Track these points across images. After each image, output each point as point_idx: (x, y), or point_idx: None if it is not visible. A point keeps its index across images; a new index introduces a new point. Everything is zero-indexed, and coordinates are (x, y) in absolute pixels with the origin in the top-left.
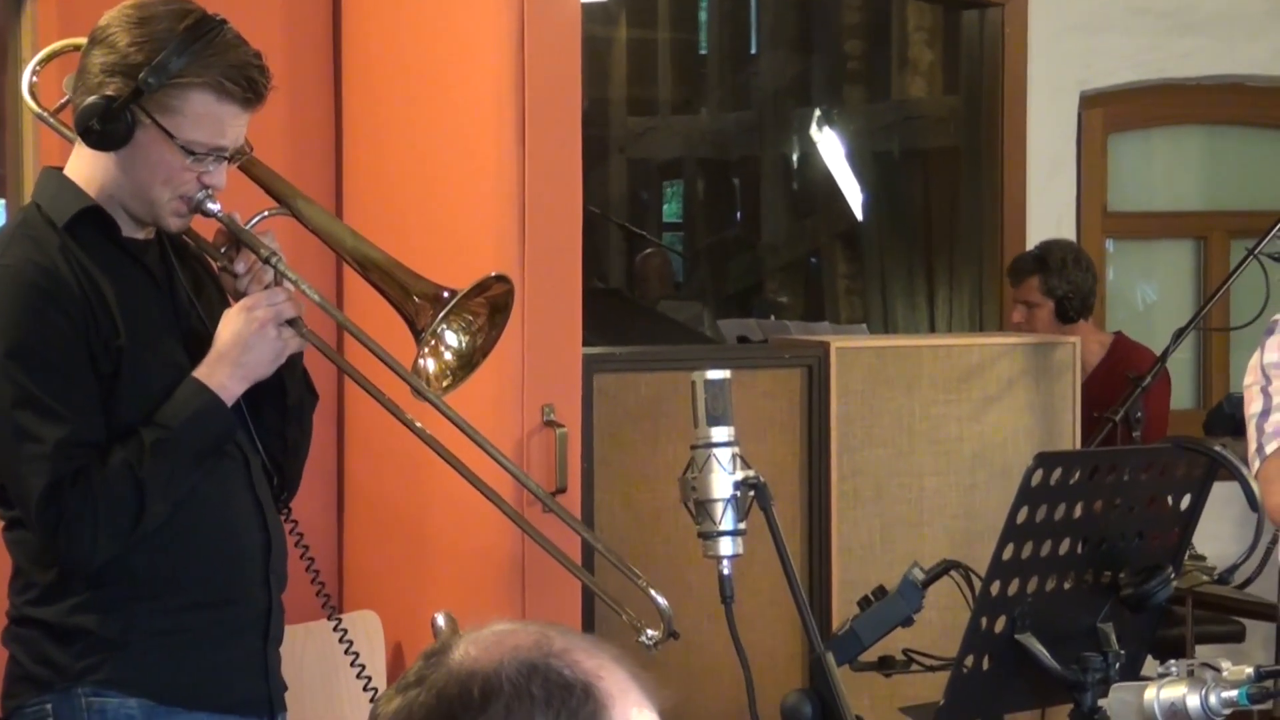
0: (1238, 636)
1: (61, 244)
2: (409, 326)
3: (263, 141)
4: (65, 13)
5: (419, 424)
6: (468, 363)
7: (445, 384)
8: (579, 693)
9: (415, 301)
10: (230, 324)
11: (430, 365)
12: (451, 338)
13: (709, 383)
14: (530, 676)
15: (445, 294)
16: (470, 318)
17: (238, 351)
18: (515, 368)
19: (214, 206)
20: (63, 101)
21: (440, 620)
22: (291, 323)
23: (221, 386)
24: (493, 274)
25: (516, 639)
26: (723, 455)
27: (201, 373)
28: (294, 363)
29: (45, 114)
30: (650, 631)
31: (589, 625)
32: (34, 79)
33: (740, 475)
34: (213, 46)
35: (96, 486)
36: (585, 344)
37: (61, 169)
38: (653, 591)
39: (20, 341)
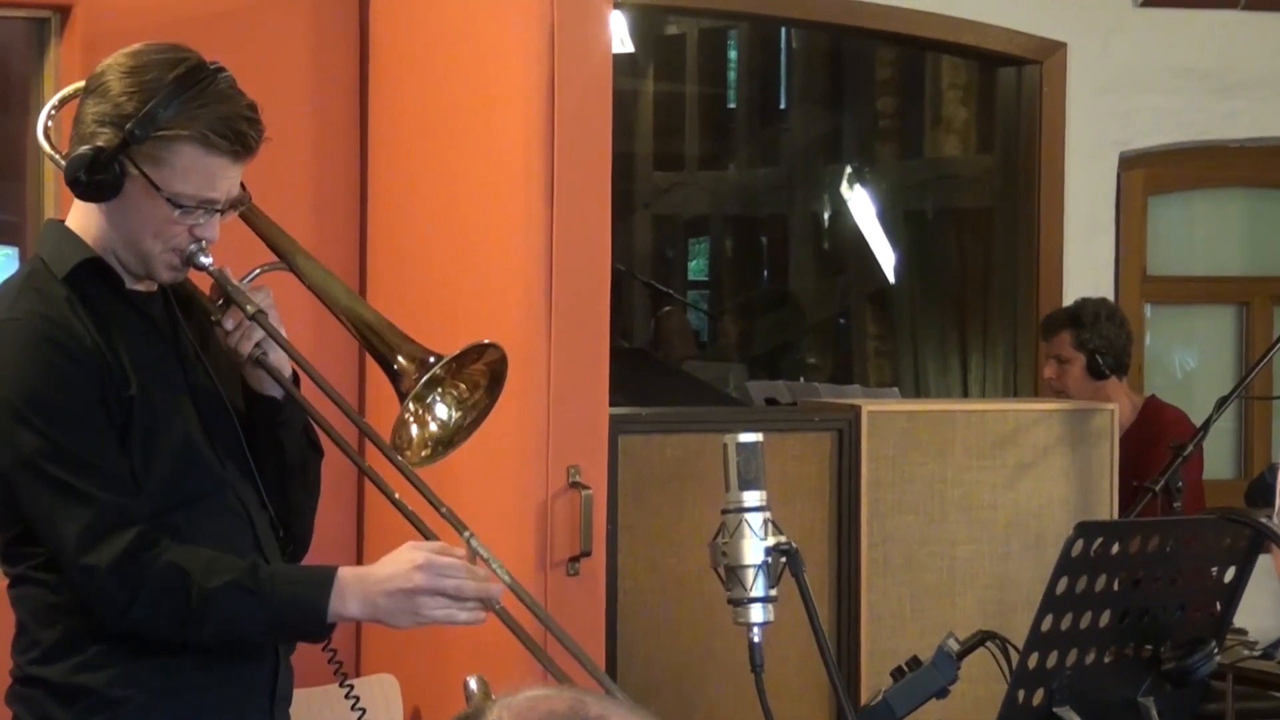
0: (1279, 714)
1: (68, 297)
2: (394, 388)
3: (286, 193)
4: (88, 56)
5: (398, 496)
6: (449, 440)
7: (424, 454)
8: None
9: (401, 363)
10: (393, 563)
11: (414, 432)
12: (442, 410)
13: (741, 446)
14: None
15: (431, 359)
16: (465, 390)
17: (379, 591)
18: (541, 426)
19: (205, 260)
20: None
21: (473, 684)
22: (454, 616)
23: (341, 597)
24: (484, 341)
25: (551, 705)
26: (754, 520)
27: (344, 574)
28: (292, 421)
29: (58, 158)
30: None
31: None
32: (49, 122)
33: (772, 541)
34: (203, 96)
35: (154, 565)
36: (610, 404)
37: (64, 220)
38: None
39: (36, 393)
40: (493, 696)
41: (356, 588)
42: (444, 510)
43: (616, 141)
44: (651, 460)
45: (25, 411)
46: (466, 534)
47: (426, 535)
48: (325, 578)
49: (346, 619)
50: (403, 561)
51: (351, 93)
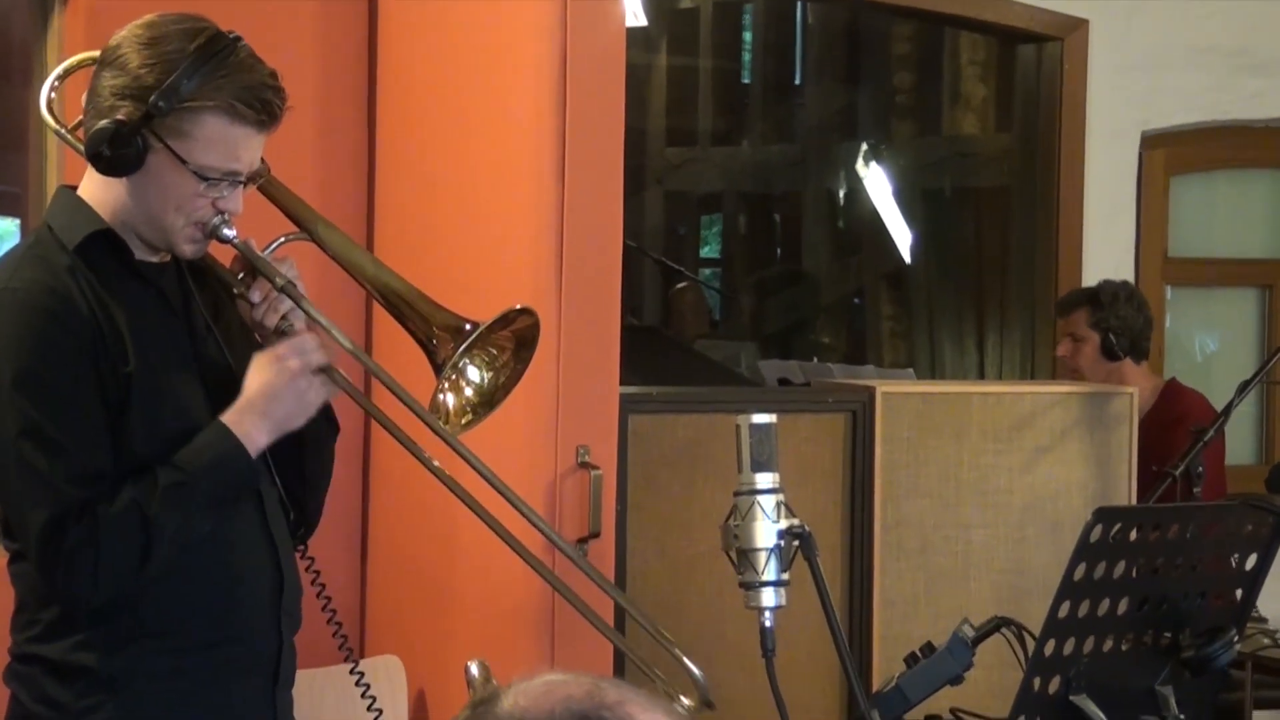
0: None
1: (71, 266)
2: (429, 359)
3: (293, 167)
4: (92, 26)
5: (436, 463)
6: (489, 400)
7: (465, 421)
8: None
9: (436, 333)
10: (259, 373)
11: (450, 400)
12: (474, 373)
13: (754, 427)
14: None
15: (467, 326)
16: (495, 352)
17: (265, 401)
18: (550, 406)
19: (229, 232)
20: (80, 119)
21: (473, 669)
22: (324, 370)
23: (246, 435)
24: (518, 306)
25: (568, 690)
26: (767, 503)
27: (229, 418)
28: None
29: (63, 131)
30: (685, 700)
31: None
32: (52, 94)
33: (785, 524)
34: (225, 67)
35: (101, 524)
36: (620, 383)
37: (76, 188)
38: (687, 660)
39: (27, 369)
40: (493, 681)
41: (249, 416)
42: (336, 334)
43: (628, 116)
44: (662, 440)
45: (11, 386)
46: (322, 320)
47: (468, 503)
48: (222, 431)
49: (259, 444)
50: (266, 363)
51: (360, 66)
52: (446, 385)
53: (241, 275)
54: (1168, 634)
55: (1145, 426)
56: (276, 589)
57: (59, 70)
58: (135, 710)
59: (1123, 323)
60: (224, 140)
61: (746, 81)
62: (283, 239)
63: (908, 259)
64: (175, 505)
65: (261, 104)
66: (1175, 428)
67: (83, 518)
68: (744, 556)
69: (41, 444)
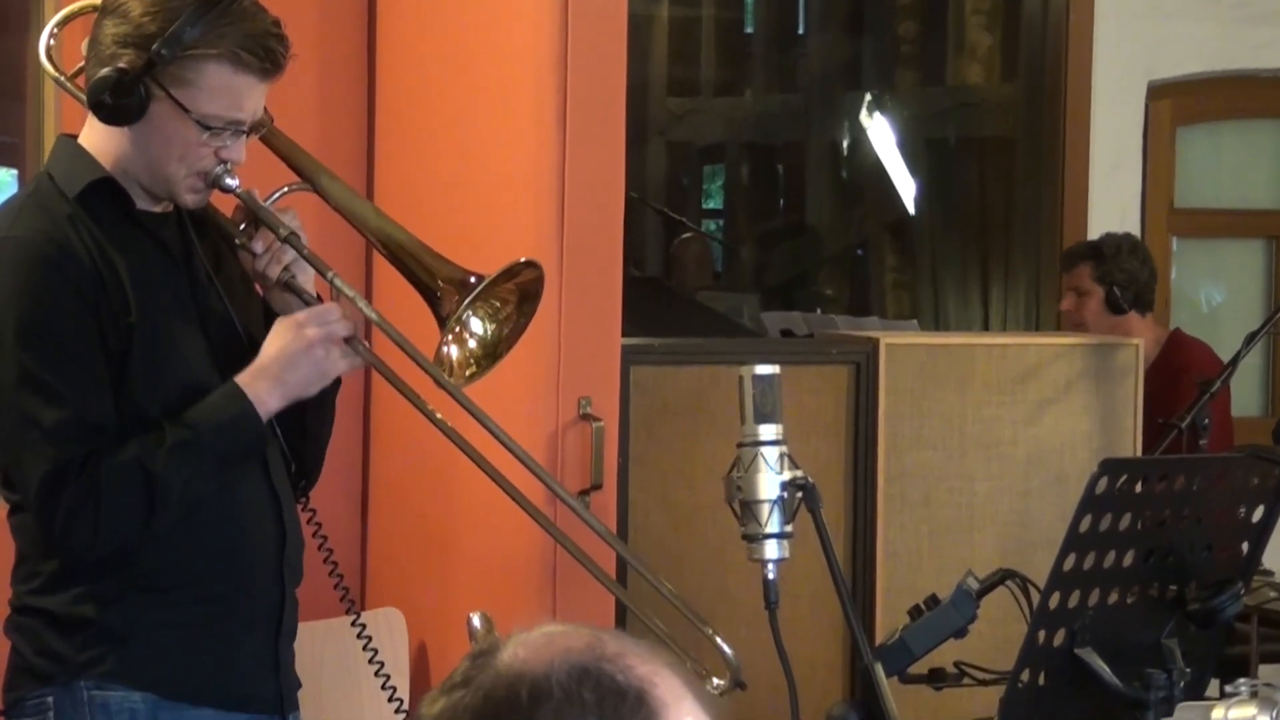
0: None
1: (72, 215)
2: (433, 312)
3: (291, 117)
4: None
5: (440, 415)
6: (493, 352)
7: (469, 373)
8: (632, 699)
9: (440, 285)
10: (277, 337)
11: (454, 353)
12: (477, 325)
13: (757, 378)
14: (581, 681)
15: (472, 279)
16: (498, 305)
17: (280, 367)
18: (551, 357)
19: (232, 182)
20: (80, 67)
21: (476, 621)
22: (346, 340)
23: (259, 399)
24: (522, 259)
25: (567, 641)
26: (770, 454)
27: (243, 379)
28: None
29: (63, 79)
30: (716, 680)
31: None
32: (52, 41)
33: (788, 476)
34: (228, 15)
35: (103, 478)
36: (622, 334)
37: (76, 137)
38: (719, 640)
39: (27, 318)
40: (494, 633)
41: (263, 380)
42: (340, 285)
43: (630, 66)
44: (664, 392)
45: (11, 337)
46: (330, 274)
47: (471, 455)
48: (235, 392)
49: (271, 409)
50: (286, 329)
51: (360, 16)
52: (450, 338)
53: (244, 226)
54: (1173, 587)
55: (1149, 378)
56: (279, 541)
57: (58, 17)
58: (137, 662)
59: (1127, 276)
60: (227, 89)
61: (749, 31)
62: (285, 189)
63: (912, 210)
64: (181, 463)
65: (265, 52)
66: (1179, 379)
67: (84, 470)
68: (747, 508)
69: (42, 394)
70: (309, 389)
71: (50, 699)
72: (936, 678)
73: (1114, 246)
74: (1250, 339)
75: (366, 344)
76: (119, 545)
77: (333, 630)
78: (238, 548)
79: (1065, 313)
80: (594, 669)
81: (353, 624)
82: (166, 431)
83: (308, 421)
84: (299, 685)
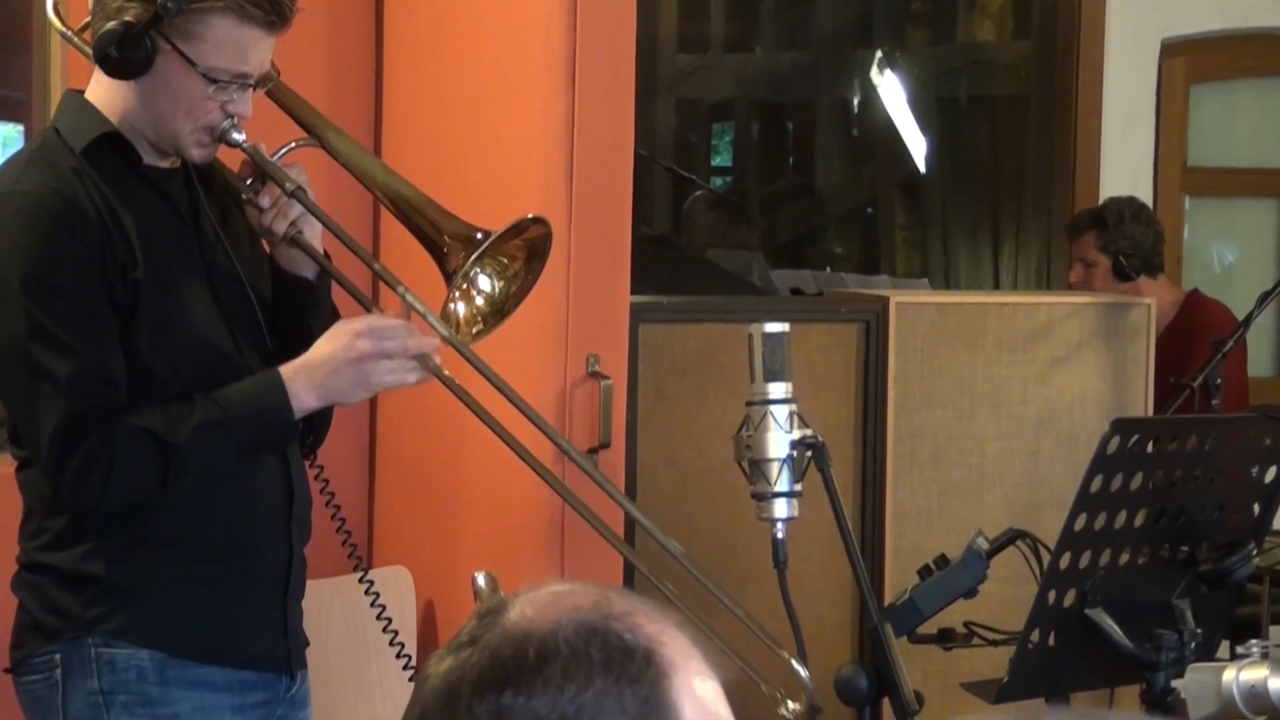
0: None
1: (78, 169)
2: (439, 268)
3: (299, 72)
4: None
5: (447, 373)
6: (500, 309)
7: (475, 330)
8: (640, 658)
9: (447, 241)
10: (331, 339)
11: (461, 309)
12: (484, 282)
13: (767, 336)
14: (589, 639)
15: (479, 235)
16: (506, 261)
17: (325, 372)
18: (560, 315)
19: (238, 136)
20: (86, 22)
21: (480, 580)
22: (417, 358)
23: (296, 395)
24: (530, 215)
25: (575, 599)
26: (780, 413)
27: (286, 372)
28: (322, 303)
29: (70, 34)
30: (791, 704)
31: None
32: None
33: (797, 434)
34: None
35: (120, 438)
36: (630, 292)
37: (83, 92)
38: (795, 664)
39: (34, 271)
40: (500, 592)
41: (304, 378)
42: (377, 268)
43: (639, 22)
44: (673, 350)
45: (19, 291)
46: (401, 289)
47: (478, 412)
48: (274, 382)
49: (306, 408)
50: (341, 335)
51: None
52: (457, 294)
53: (250, 181)
54: (1185, 547)
55: (1166, 338)
56: (287, 499)
57: None
58: (144, 620)
59: (1132, 243)
60: (233, 42)
61: None
62: (292, 144)
63: (922, 168)
64: (207, 442)
65: (271, 4)
66: (1196, 339)
67: (100, 426)
68: (756, 467)
69: (52, 347)
70: (349, 398)
71: (57, 656)
72: (946, 638)
73: (1116, 214)
74: (1263, 299)
75: (439, 365)
76: (128, 504)
77: (340, 588)
78: (246, 505)
79: (1074, 284)
80: (601, 627)
81: (360, 581)
82: (197, 406)
83: None
84: (307, 644)
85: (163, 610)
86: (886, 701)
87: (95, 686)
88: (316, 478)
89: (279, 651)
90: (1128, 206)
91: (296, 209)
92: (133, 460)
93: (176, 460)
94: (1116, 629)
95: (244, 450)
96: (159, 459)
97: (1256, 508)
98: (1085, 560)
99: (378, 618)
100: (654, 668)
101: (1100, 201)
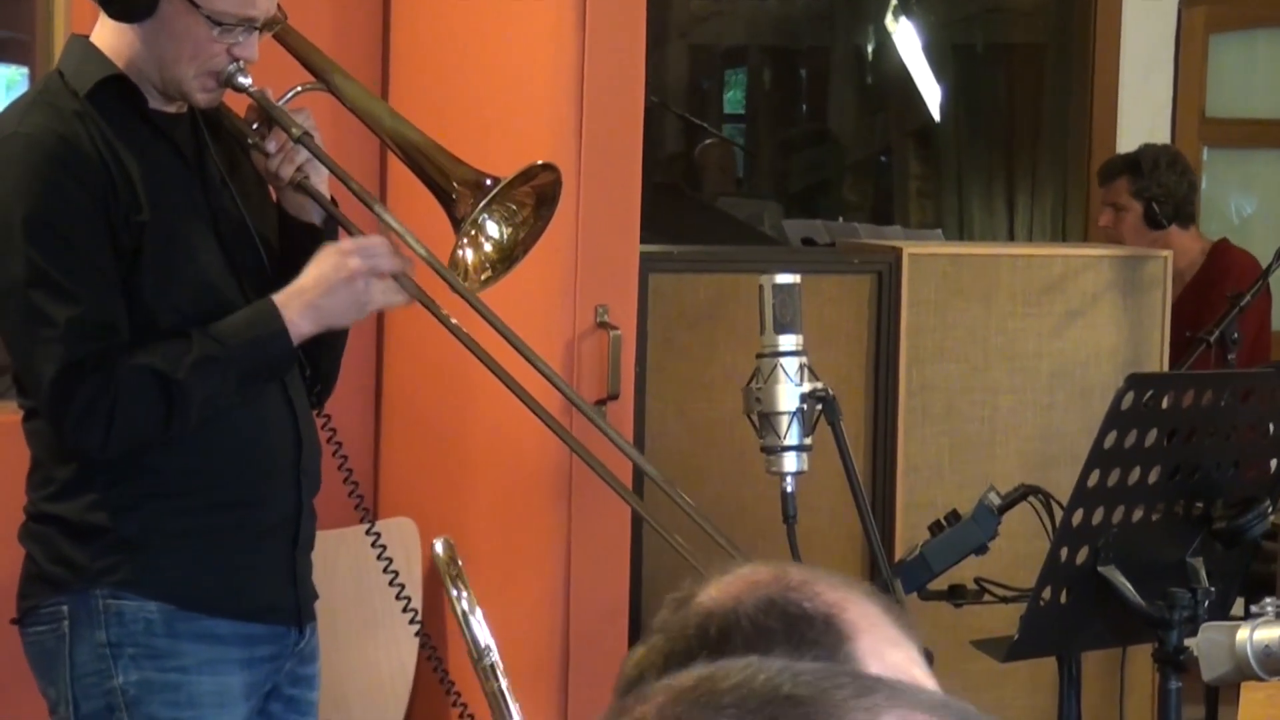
0: None
1: (81, 112)
2: (447, 214)
3: (305, 15)
4: None
5: (454, 321)
6: (508, 256)
7: (484, 278)
8: (819, 624)
9: (455, 188)
10: (320, 263)
11: (469, 256)
12: (493, 228)
13: (778, 287)
14: (768, 611)
15: (488, 181)
16: (514, 208)
17: (317, 294)
18: (568, 264)
19: (244, 81)
20: None
21: (439, 547)
22: (394, 276)
23: (291, 321)
24: (539, 162)
25: (756, 576)
26: (790, 365)
27: (279, 299)
28: None
29: None
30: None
31: (636, 544)
32: None
33: (808, 387)
34: None
35: (121, 380)
36: (640, 241)
37: (88, 37)
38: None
39: (35, 215)
40: (458, 559)
41: (298, 302)
42: (385, 216)
43: None
44: (683, 300)
45: (20, 234)
46: (377, 207)
47: (486, 362)
48: (269, 310)
49: (302, 333)
50: (330, 255)
51: None
52: (465, 241)
53: (256, 125)
54: (1199, 504)
55: (1190, 291)
56: (295, 449)
57: None
58: (152, 571)
59: (1165, 190)
60: None
61: None
62: (299, 89)
63: (937, 117)
64: (206, 376)
65: None
66: (1215, 288)
67: (100, 370)
68: (765, 420)
69: (52, 292)
70: (343, 319)
71: (65, 607)
72: (956, 594)
73: (1151, 160)
74: None
75: (414, 281)
76: (132, 447)
77: (345, 539)
78: (253, 455)
79: (1103, 228)
80: (780, 599)
81: (367, 533)
82: (194, 341)
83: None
84: (316, 596)
85: (171, 562)
86: None
87: (103, 638)
88: (323, 428)
89: (288, 603)
90: (1163, 154)
91: (303, 154)
92: (135, 400)
93: (179, 395)
94: (1129, 587)
95: (245, 381)
96: (161, 396)
97: (1273, 464)
98: (1098, 517)
99: (385, 571)
100: (834, 631)
101: (1118, 151)
